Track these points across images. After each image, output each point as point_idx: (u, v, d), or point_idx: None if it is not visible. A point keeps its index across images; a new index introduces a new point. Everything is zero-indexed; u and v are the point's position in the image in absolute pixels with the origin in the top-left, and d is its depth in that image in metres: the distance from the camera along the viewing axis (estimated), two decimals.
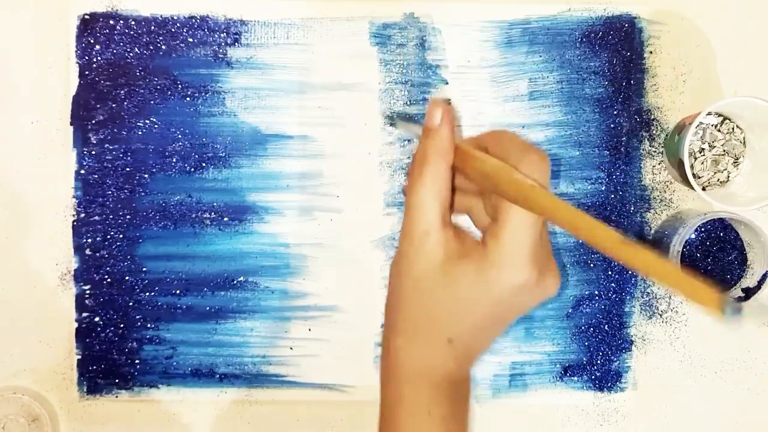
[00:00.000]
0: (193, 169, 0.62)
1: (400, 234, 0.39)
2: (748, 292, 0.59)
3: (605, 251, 0.33)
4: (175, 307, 0.62)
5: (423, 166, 0.38)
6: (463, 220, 0.41)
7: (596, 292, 0.62)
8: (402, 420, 0.40)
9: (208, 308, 0.62)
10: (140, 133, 0.62)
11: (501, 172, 0.36)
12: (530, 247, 0.36)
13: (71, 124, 0.61)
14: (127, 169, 0.62)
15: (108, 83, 0.61)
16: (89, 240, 0.62)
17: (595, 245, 0.34)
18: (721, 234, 0.60)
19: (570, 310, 0.62)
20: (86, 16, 0.61)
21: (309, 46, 0.62)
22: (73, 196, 0.62)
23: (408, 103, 0.62)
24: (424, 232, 0.38)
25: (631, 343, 0.63)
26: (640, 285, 0.63)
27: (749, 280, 0.59)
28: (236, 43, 0.62)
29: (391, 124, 0.46)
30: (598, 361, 0.63)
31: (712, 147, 0.61)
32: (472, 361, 0.41)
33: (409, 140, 0.62)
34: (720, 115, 0.61)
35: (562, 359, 0.63)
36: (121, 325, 0.62)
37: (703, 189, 0.61)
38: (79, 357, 0.62)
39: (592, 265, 0.62)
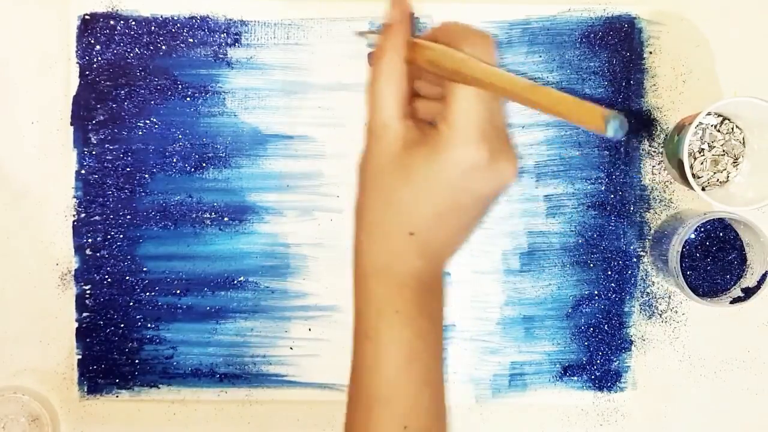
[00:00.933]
0: (193, 169, 0.62)
1: (363, 130, 0.41)
2: (748, 292, 0.59)
3: (521, 100, 0.35)
4: (176, 307, 0.62)
5: (379, 60, 0.40)
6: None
7: (596, 292, 0.62)
8: (371, 319, 0.41)
9: (208, 308, 0.62)
10: (141, 133, 0.62)
11: (443, 54, 0.38)
12: (477, 125, 0.36)
13: (72, 124, 0.62)
14: (128, 169, 0.62)
15: (108, 83, 0.61)
16: (90, 240, 0.62)
17: (512, 96, 0.35)
18: (721, 234, 0.60)
19: (570, 310, 0.63)
20: (87, 17, 0.61)
21: (309, 46, 0.62)
22: (74, 196, 0.62)
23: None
24: (383, 125, 0.39)
25: (631, 343, 0.63)
26: (639, 285, 0.63)
27: (749, 280, 0.59)
28: (236, 44, 0.62)
29: (361, 34, 0.48)
30: (598, 361, 0.63)
31: (711, 147, 0.61)
32: (440, 258, 0.41)
33: None
34: (719, 116, 0.61)
35: (562, 359, 0.63)
36: (122, 325, 0.62)
37: (703, 189, 0.61)
38: (80, 357, 0.62)
39: (591, 265, 0.62)
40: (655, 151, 0.63)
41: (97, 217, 0.62)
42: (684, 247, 0.59)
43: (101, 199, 0.62)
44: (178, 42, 0.61)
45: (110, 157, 0.62)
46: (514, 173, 0.38)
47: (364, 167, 0.41)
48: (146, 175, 0.62)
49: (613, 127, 0.31)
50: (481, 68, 0.36)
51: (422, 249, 0.39)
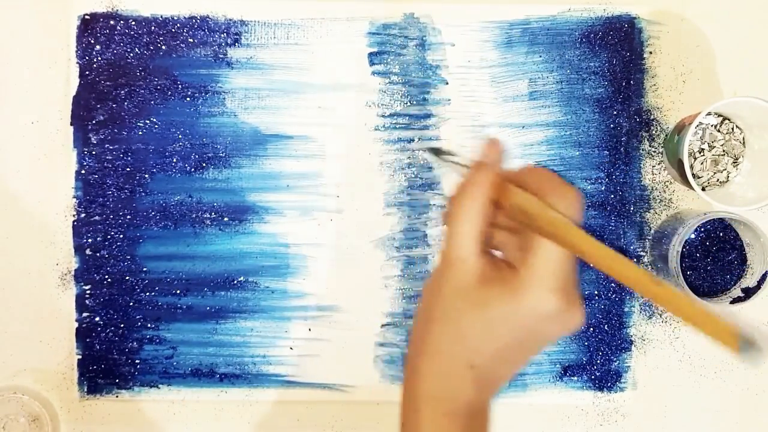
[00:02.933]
0: (193, 170, 0.62)
1: (438, 258, 0.42)
2: (748, 292, 0.59)
3: (636, 290, 0.35)
4: (176, 307, 0.62)
5: (466, 198, 0.40)
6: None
7: (596, 292, 0.62)
8: None
9: (208, 308, 0.62)
10: (140, 133, 0.62)
11: (537, 208, 0.38)
12: (559, 276, 0.38)
13: (71, 124, 0.62)
14: (128, 169, 0.62)
15: (108, 83, 0.61)
16: (90, 240, 0.62)
17: (626, 284, 0.35)
18: (721, 234, 0.60)
19: None
20: (87, 17, 0.61)
21: (309, 46, 0.62)
22: (74, 196, 0.62)
23: (408, 103, 0.62)
24: (461, 259, 0.40)
25: (631, 342, 0.63)
26: None
27: (749, 280, 0.59)
28: (236, 44, 0.62)
29: (435, 155, 0.48)
30: (598, 361, 0.63)
31: (711, 147, 0.61)
32: (493, 391, 0.42)
33: (410, 140, 0.62)
34: (719, 116, 0.61)
35: (562, 359, 0.63)
36: (122, 325, 0.62)
37: (703, 189, 0.61)
38: (80, 357, 0.62)
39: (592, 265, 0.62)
40: (655, 151, 0.63)
41: (97, 217, 0.62)
42: (684, 247, 0.59)
43: (101, 199, 0.62)
44: (178, 42, 0.61)
45: (110, 157, 0.62)
46: (581, 322, 0.39)
47: (432, 290, 0.41)
48: (146, 175, 0.62)
49: (748, 354, 0.29)
50: (581, 239, 0.37)
51: (479, 381, 0.40)
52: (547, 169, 0.41)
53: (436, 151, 0.48)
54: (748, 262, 0.60)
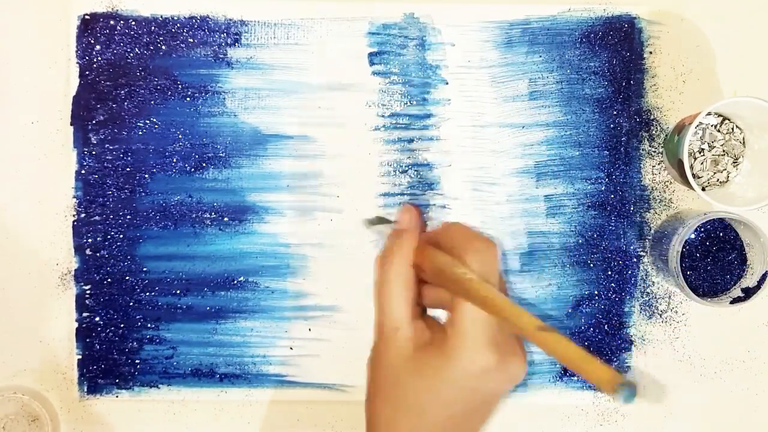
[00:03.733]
0: (193, 170, 0.62)
1: (373, 328, 0.42)
2: (748, 292, 0.59)
3: (525, 336, 0.36)
4: (176, 307, 0.62)
5: (388, 265, 0.41)
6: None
7: (596, 292, 0.63)
8: None
9: (208, 308, 0.62)
10: (140, 133, 0.62)
11: (445, 266, 0.39)
12: (486, 332, 0.38)
13: (71, 124, 0.62)
14: (128, 169, 0.62)
15: (108, 83, 0.61)
16: (89, 240, 0.62)
17: (519, 330, 0.36)
18: (721, 234, 0.61)
19: (570, 310, 0.63)
20: (87, 17, 0.61)
21: (309, 46, 0.62)
22: (74, 196, 0.62)
23: (408, 103, 0.62)
24: (394, 328, 0.41)
25: (631, 343, 0.63)
26: (639, 285, 0.63)
27: (749, 280, 0.59)
28: (236, 44, 0.62)
29: (370, 225, 0.50)
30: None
31: (711, 147, 0.61)
32: None
33: (410, 140, 0.62)
34: (719, 116, 0.61)
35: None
36: (122, 325, 0.62)
37: (703, 189, 0.61)
38: (80, 357, 0.62)
39: (591, 265, 0.62)
40: (655, 151, 0.63)
41: (97, 217, 0.62)
42: (684, 247, 0.59)
43: (101, 199, 0.62)
44: (178, 42, 0.62)
45: (110, 157, 0.62)
46: (523, 371, 0.40)
47: (375, 366, 0.42)
48: (146, 175, 0.62)
49: (624, 396, 0.31)
50: (484, 294, 0.37)
51: None
52: (461, 224, 0.42)
53: (371, 221, 0.50)
54: (748, 262, 0.60)
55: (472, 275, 0.38)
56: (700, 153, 0.61)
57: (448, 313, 0.40)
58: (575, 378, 0.63)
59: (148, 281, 0.62)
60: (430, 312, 0.44)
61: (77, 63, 0.61)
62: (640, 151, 0.63)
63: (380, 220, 0.52)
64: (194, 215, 0.62)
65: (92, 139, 0.62)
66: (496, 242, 0.40)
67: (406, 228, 0.43)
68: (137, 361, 0.62)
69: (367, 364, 0.43)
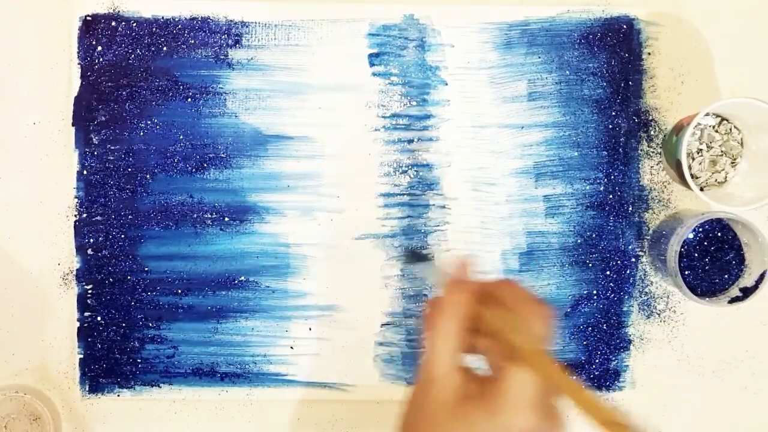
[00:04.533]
0: (194, 170, 0.62)
1: (419, 373, 0.43)
2: (746, 292, 0.59)
3: (595, 424, 0.39)
4: (177, 307, 0.62)
5: (443, 318, 0.43)
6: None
7: (595, 292, 0.63)
8: None
9: (209, 308, 0.62)
10: (142, 133, 0.62)
11: (502, 330, 0.41)
12: (532, 395, 0.40)
13: (73, 125, 0.62)
14: (129, 169, 0.62)
15: (110, 84, 0.62)
16: (91, 240, 0.62)
17: (587, 416, 0.39)
18: (719, 234, 0.61)
19: (568, 310, 0.63)
20: (88, 18, 0.61)
21: (309, 47, 0.62)
22: (75, 197, 0.62)
23: (408, 104, 0.62)
24: (440, 376, 0.42)
25: (630, 342, 0.63)
26: (638, 285, 0.63)
27: (747, 280, 0.59)
28: (237, 45, 0.62)
29: (408, 261, 0.51)
30: (597, 361, 0.63)
31: (709, 147, 0.62)
32: None
33: (410, 141, 0.62)
34: (718, 116, 0.62)
35: (561, 358, 0.63)
36: (123, 325, 0.62)
37: (701, 189, 0.61)
38: (81, 356, 0.62)
39: (590, 264, 0.63)
40: (653, 152, 0.63)
41: (98, 217, 0.62)
42: (682, 247, 0.60)
43: (103, 200, 0.62)
44: (179, 43, 0.62)
45: (112, 158, 0.62)
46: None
47: (418, 408, 0.43)
48: (147, 176, 0.62)
49: None
50: (540, 366, 0.39)
51: None
52: (519, 284, 0.44)
53: (414, 256, 0.51)
54: (746, 262, 0.60)
55: (529, 341, 0.40)
56: (698, 153, 0.62)
57: (494, 367, 0.42)
58: (574, 377, 0.63)
59: (149, 281, 0.62)
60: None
61: (79, 64, 0.62)
62: (639, 151, 0.63)
63: (417, 256, 0.53)
64: (195, 215, 0.62)
65: (94, 139, 0.62)
66: (550, 310, 0.42)
67: (460, 280, 0.45)
68: (138, 361, 0.62)
69: (407, 401, 0.44)
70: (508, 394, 0.40)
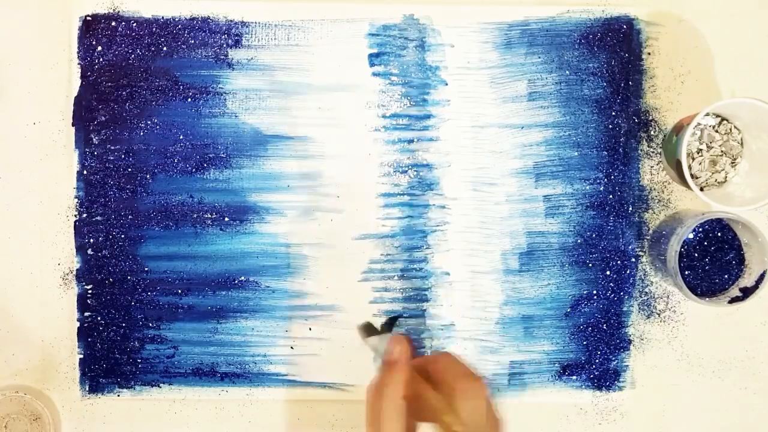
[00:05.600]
0: (194, 170, 0.62)
1: None
2: (746, 292, 0.59)
3: None
4: (177, 307, 0.62)
5: (384, 400, 0.44)
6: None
7: (594, 292, 0.63)
8: None
9: (209, 308, 0.62)
10: (142, 133, 0.62)
11: (435, 410, 0.42)
12: None
13: (73, 125, 0.62)
14: (129, 169, 0.62)
15: (110, 84, 0.62)
16: (91, 240, 0.62)
17: None
18: (719, 234, 0.61)
19: (569, 310, 0.63)
20: (88, 18, 0.61)
21: (309, 47, 0.62)
22: (75, 197, 0.62)
23: (408, 104, 0.62)
24: None
25: (630, 342, 0.63)
26: (638, 285, 0.63)
27: (747, 280, 0.60)
28: (237, 45, 0.62)
29: (364, 335, 0.52)
30: (597, 361, 0.63)
31: (709, 148, 0.62)
32: None
33: (410, 141, 0.62)
34: (718, 116, 0.62)
35: (561, 358, 0.63)
36: (123, 325, 0.62)
37: (701, 189, 0.61)
38: (81, 356, 0.62)
39: (590, 265, 0.63)
40: (653, 152, 0.63)
41: (98, 217, 0.62)
42: (682, 247, 0.60)
43: (103, 200, 0.62)
44: (179, 43, 0.62)
45: (112, 158, 0.62)
46: None
47: None
48: (147, 176, 0.62)
49: None
50: None
51: None
52: (452, 357, 0.45)
53: (364, 330, 0.51)
54: (746, 262, 0.60)
55: (459, 428, 0.41)
56: (698, 153, 0.62)
57: None
58: (574, 377, 0.63)
59: (149, 281, 0.62)
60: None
61: (79, 64, 0.62)
62: (639, 151, 0.63)
63: (371, 329, 0.54)
64: (195, 215, 0.62)
65: (94, 139, 0.62)
66: (485, 382, 0.43)
67: (397, 359, 0.46)
68: (138, 361, 0.62)
69: None
70: None
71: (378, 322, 0.59)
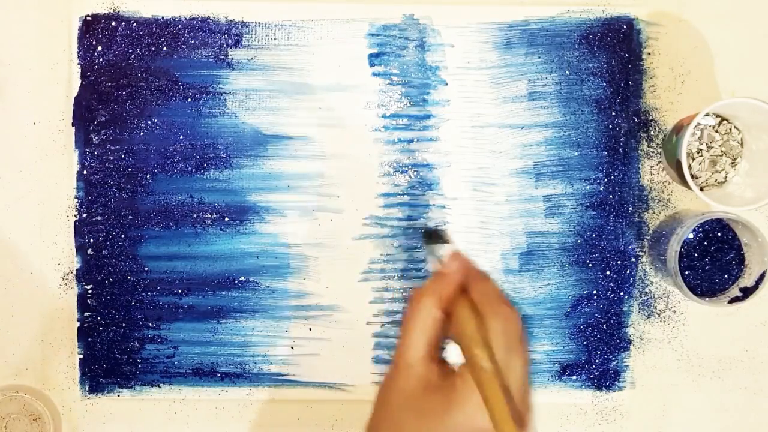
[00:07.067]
0: (194, 170, 0.62)
1: (392, 358, 0.43)
2: (746, 292, 0.59)
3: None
4: (177, 307, 0.62)
5: (420, 307, 0.42)
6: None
7: (594, 292, 0.63)
8: None
9: (209, 308, 0.62)
10: (142, 133, 0.62)
11: (468, 337, 0.41)
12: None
13: (73, 125, 0.62)
14: (129, 169, 0.62)
15: (110, 84, 0.62)
16: (91, 240, 0.62)
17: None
18: (719, 234, 0.61)
19: (569, 310, 0.63)
20: (88, 18, 0.61)
21: (309, 47, 0.62)
22: (75, 197, 0.62)
23: (408, 104, 0.62)
24: (409, 365, 0.42)
25: (630, 342, 0.63)
26: (638, 285, 0.63)
27: (747, 280, 0.60)
28: (237, 45, 0.62)
29: (427, 242, 0.50)
30: (597, 361, 0.63)
31: (709, 148, 0.62)
32: None
33: (410, 141, 0.62)
34: (718, 116, 0.62)
35: (561, 358, 0.63)
36: (123, 325, 0.62)
37: (701, 189, 0.61)
38: (81, 356, 0.62)
39: (590, 264, 0.63)
40: (653, 152, 0.63)
41: (98, 218, 0.62)
42: (682, 247, 0.60)
43: (103, 200, 0.62)
44: (179, 43, 0.62)
45: (112, 158, 0.62)
46: None
47: (383, 397, 0.43)
48: (147, 176, 0.62)
49: None
50: (486, 387, 0.39)
51: None
52: (493, 283, 0.43)
53: (427, 236, 0.50)
54: (746, 262, 0.60)
55: (485, 356, 0.39)
56: (698, 153, 0.62)
57: (462, 362, 0.41)
58: (574, 377, 0.63)
59: (149, 281, 0.62)
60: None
61: (79, 64, 0.62)
62: (639, 151, 0.63)
63: (437, 236, 0.52)
64: (195, 215, 0.62)
65: (94, 139, 0.62)
66: (519, 313, 0.42)
67: (450, 273, 0.44)
68: (138, 361, 0.62)
69: (377, 391, 0.43)
70: (470, 388, 0.39)
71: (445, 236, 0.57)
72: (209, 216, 0.62)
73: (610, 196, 0.63)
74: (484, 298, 0.42)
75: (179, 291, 0.62)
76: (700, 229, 0.61)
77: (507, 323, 0.41)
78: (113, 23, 0.62)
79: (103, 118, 0.62)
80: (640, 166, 0.63)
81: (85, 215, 0.62)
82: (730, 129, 0.62)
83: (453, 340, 0.43)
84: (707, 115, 0.61)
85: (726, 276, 0.61)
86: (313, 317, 0.63)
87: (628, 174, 0.63)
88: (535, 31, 0.62)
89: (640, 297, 0.63)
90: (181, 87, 0.62)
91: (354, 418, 0.64)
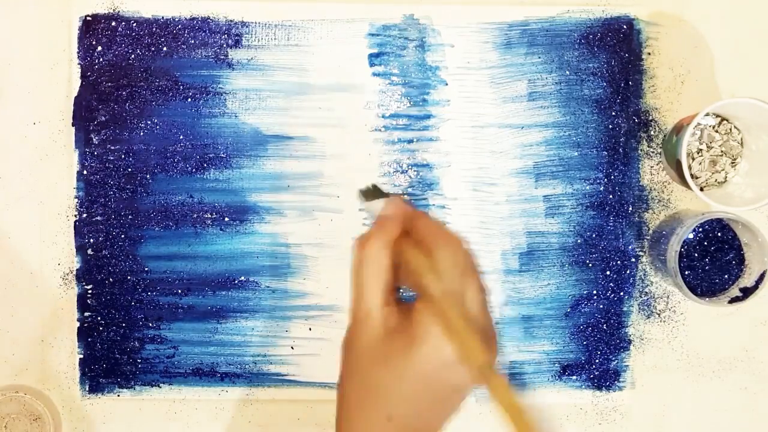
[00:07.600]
0: (194, 170, 0.62)
1: (348, 311, 0.43)
2: (746, 292, 0.59)
3: (468, 368, 0.38)
4: (177, 307, 0.62)
5: (366, 250, 0.42)
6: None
7: (594, 292, 0.63)
8: None
9: (209, 308, 0.62)
10: (142, 133, 0.62)
11: (417, 269, 0.40)
12: (443, 327, 0.38)
13: (73, 125, 0.62)
14: (129, 169, 0.62)
15: (110, 84, 0.62)
16: (91, 240, 0.62)
17: (464, 360, 0.38)
18: (719, 234, 0.61)
19: (568, 310, 0.63)
20: (88, 18, 0.62)
21: (309, 47, 0.62)
22: (75, 197, 0.62)
23: (408, 104, 0.62)
24: (366, 313, 0.42)
25: (630, 342, 0.63)
26: (638, 285, 0.63)
27: (746, 280, 0.60)
28: (237, 45, 0.62)
29: (365, 198, 0.50)
30: (597, 361, 0.63)
31: (709, 148, 0.62)
32: None
33: (410, 141, 0.62)
34: (718, 116, 0.62)
35: (561, 358, 0.63)
36: (123, 325, 0.62)
37: (701, 189, 0.61)
38: (81, 356, 0.62)
39: (590, 264, 0.63)
40: (653, 152, 0.63)
41: (98, 218, 0.62)
42: (682, 247, 0.60)
43: (103, 200, 0.62)
44: (179, 43, 0.62)
45: (112, 158, 0.62)
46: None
47: (347, 350, 0.42)
48: (147, 176, 0.62)
49: None
50: (443, 311, 0.39)
51: None
52: (431, 218, 0.43)
53: (366, 193, 0.50)
54: (746, 262, 0.60)
55: (438, 285, 0.39)
56: (698, 153, 0.62)
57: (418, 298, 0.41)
58: (574, 377, 0.63)
59: (149, 281, 0.62)
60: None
61: (79, 64, 0.62)
62: (639, 151, 0.63)
63: (375, 192, 0.52)
64: (195, 215, 0.62)
65: (94, 139, 0.62)
66: (465, 237, 0.41)
67: (390, 216, 0.43)
68: (138, 361, 0.62)
69: (341, 346, 0.43)
70: (421, 326, 0.39)
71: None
72: (209, 216, 0.62)
73: (610, 196, 0.63)
74: (427, 231, 0.41)
75: (179, 291, 0.62)
76: (700, 229, 0.61)
77: (454, 250, 0.40)
78: (113, 23, 0.62)
79: (103, 118, 0.62)
80: (640, 166, 0.63)
81: (85, 215, 0.62)
82: (730, 129, 0.62)
83: (406, 285, 0.43)
84: (707, 115, 0.61)
85: (726, 276, 0.61)
86: (313, 317, 0.63)
87: (628, 174, 0.63)
88: (535, 31, 0.62)
89: (640, 297, 0.63)
90: (181, 87, 0.62)
91: None
